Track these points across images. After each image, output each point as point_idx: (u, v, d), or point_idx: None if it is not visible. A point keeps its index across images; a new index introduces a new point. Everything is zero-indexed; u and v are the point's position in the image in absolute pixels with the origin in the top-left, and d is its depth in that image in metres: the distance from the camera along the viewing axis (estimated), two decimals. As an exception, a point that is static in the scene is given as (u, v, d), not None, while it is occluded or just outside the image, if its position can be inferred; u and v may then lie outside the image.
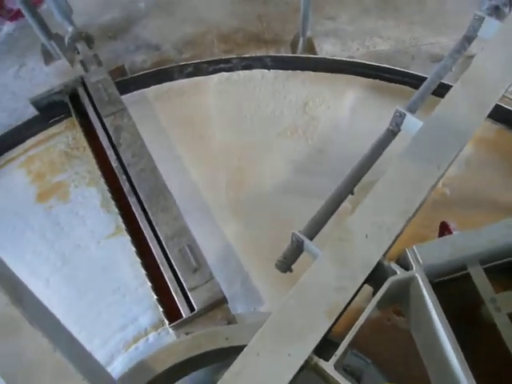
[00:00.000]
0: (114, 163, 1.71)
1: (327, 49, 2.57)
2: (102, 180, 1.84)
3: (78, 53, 2.10)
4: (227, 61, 2.25)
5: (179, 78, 2.22)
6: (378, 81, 2.14)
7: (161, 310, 1.47)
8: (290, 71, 2.20)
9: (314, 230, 1.30)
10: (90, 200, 1.91)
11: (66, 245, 1.81)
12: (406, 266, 1.06)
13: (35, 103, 1.96)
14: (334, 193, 1.39)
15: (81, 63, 2.10)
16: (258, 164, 1.96)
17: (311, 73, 2.19)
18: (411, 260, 1.05)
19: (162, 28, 2.75)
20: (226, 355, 1.30)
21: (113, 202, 1.77)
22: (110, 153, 1.75)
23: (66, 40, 2.09)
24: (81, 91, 1.95)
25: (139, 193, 1.62)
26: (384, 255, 1.07)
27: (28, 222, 1.86)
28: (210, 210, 1.86)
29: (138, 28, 2.76)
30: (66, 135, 2.09)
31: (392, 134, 1.49)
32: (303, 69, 2.20)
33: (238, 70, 2.22)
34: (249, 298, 1.68)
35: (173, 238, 1.50)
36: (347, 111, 2.08)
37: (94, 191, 1.93)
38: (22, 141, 2.08)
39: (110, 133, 1.77)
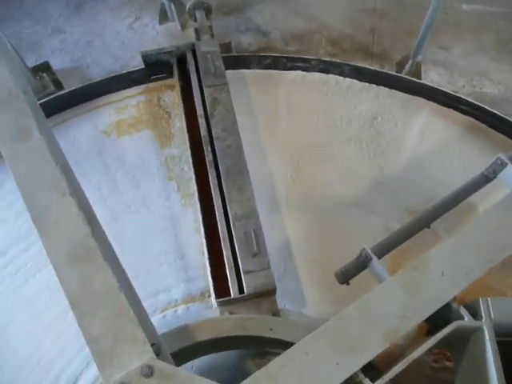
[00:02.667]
0: (203, 132, 1.75)
1: (433, 77, 2.51)
2: (166, 148, 1.92)
3: (195, 20, 2.16)
4: (306, 60, 2.23)
5: (257, 68, 2.22)
6: (451, 110, 2.06)
7: (211, 282, 1.51)
8: (366, 83, 2.16)
9: (383, 251, 1.30)
10: (148, 166, 1.94)
11: (117, 203, 1.85)
12: (474, 314, 1.04)
13: (145, 57, 2.04)
14: (413, 221, 1.37)
15: (195, 31, 2.16)
16: (317, 166, 1.94)
17: (386, 89, 2.15)
18: (482, 310, 1.02)
19: (274, 16, 2.78)
20: (263, 345, 1.32)
21: (168, 172, 1.84)
22: (201, 122, 1.79)
23: (188, 6, 2.15)
24: (189, 57, 2.01)
25: (220, 167, 1.65)
26: (455, 297, 1.05)
27: (87, 174, 1.90)
28: (259, 202, 1.86)
29: (252, 11, 2.81)
30: (138, 100, 2.12)
31: (486, 179, 1.44)
32: (379, 83, 2.16)
33: (314, 71, 2.20)
34: (280, 295, 1.68)
35: (241, 219, 1.52)
36: (415, 134, 2.01)
37: (153, 158, 1.96)
38: (100, 95, 2.13)
39: (207, 103, 1.81)
